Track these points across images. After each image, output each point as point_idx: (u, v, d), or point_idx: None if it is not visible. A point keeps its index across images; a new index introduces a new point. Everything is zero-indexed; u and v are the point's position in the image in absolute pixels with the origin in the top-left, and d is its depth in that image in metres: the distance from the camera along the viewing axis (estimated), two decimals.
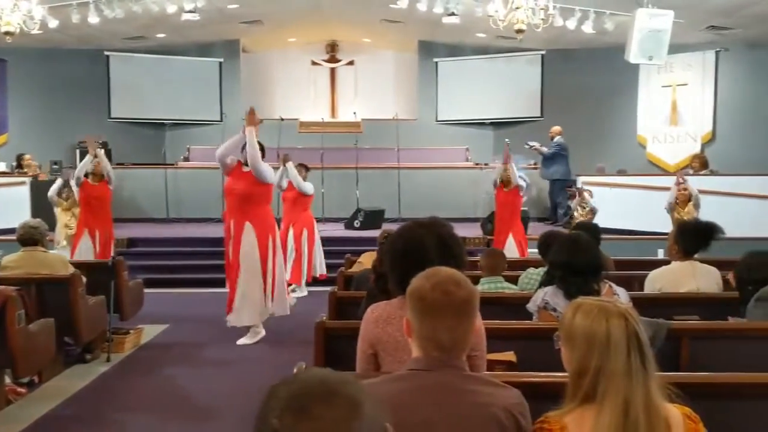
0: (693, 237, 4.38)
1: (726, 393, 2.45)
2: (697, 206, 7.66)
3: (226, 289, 6.53)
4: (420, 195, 12.12)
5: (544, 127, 12.97)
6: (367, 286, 3.67)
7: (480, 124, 14.68)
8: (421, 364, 1.81)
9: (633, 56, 10.18)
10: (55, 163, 12.19)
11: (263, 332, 6.45)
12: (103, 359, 5.78)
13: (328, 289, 4.71)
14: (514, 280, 4.72)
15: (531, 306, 3.50)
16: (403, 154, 12.74)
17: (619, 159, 12.87)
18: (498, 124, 14.51)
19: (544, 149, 12.17)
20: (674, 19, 9.95)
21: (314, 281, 8.61)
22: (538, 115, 14.11)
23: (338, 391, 1.07)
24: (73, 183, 8.15)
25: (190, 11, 10.95)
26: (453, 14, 11.01)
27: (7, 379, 4.79)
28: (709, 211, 7.33)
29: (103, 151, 8.50)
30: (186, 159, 13.90)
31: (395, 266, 2.44)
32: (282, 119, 12.78)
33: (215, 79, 14.68)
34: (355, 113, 14.26)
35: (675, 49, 11.10)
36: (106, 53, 13.98)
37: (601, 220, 8.50)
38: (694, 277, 4.29)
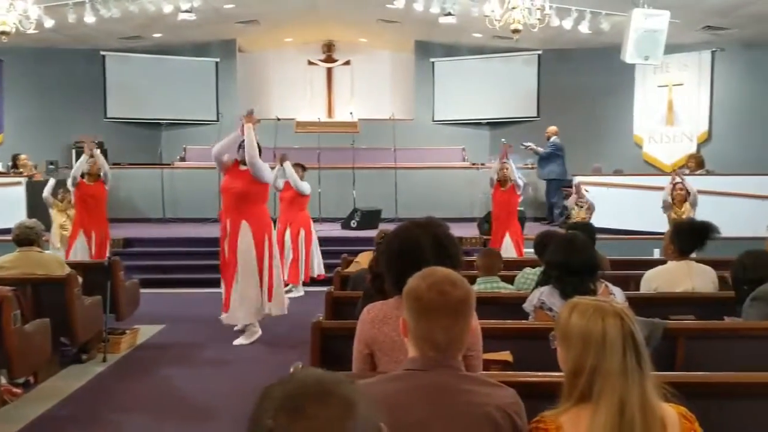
0: (689, 236, 4.39)
1: (722, 392, 2.45)
2: (694, 205, 7.67)
3: (221, 289, 6.53)
4: (417, 195, 12.13)
5: (540, 127, 12.98)
6: (364, 286, 3.67)
7: (476, 124, 14.69)
8: (417, 364, 1.81)
9: (629, 56, 10.20)
10: (51, 163, 12.16)
11: (260, 332, 6.44)
12: (99, 359, 5.77)
13: (324, 289, 4.71)
14: (510, 280, 4.73)
15: (527, 306, 3.51)
16: (399, 154, 12.75)
17: (616, 159, 12.89)
18: (494, 124, 14.51)
19: (540, 149, 12.19)
20: (670, 19, 9.97)
21: (311, 281, 8.60)
22: (535, 115, 14.12)
23: (332, 391, 1.07)
24: (68, 184, 8.14)
25: (187, 11, 10.93)
26: (449, 14, 11.01)
27: (3, 380, 4.78)
28: (704, 211, 7.34)
29: (98, 151, 8.49)
30: (182, 159, 13.88)
31: (391, 266, 2.44)
32: (278, 119, 12.77)
33: (212, 79, 14.66)
34: (351, 113, 14.26)
35: (671, 49, 11.12)
36: (102, 53, 13.96)
37: (597, 220, 8.51)
38: (690, 276, 4.30)
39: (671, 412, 1.74)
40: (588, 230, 5.13)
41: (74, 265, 5.93)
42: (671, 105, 13.35)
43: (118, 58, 14.19)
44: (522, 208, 9.21)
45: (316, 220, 9.62)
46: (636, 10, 9.85)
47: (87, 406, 4.79)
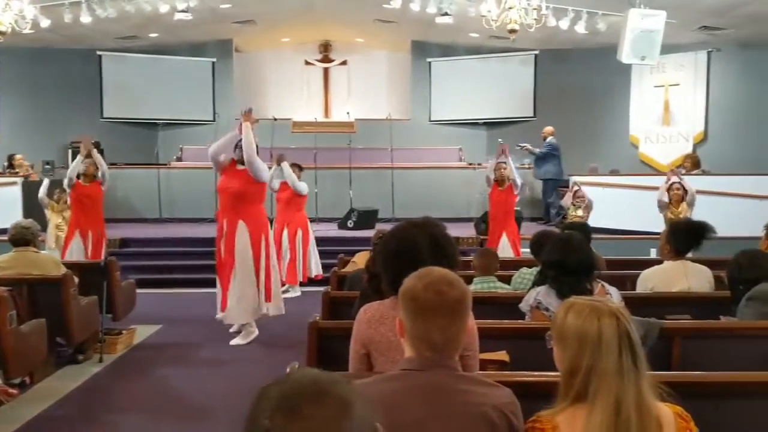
0: (685, 236, 4.40)
1: (717, 392, 2.46)
2: (691, 205, 7.68)
3: (215, 289, 6.52)
4: (413, 195, 12.13)
5: (537, 127, 13.00)
6: (361, 286, 3.67)
7: (473, 124, 14.70)
8: (413, 364, 1.81)
9: (625, 56, 10.21)
10: (47, 163, 12.13)
11: (256, 332, 6.44)
12: (96, 360, 5.76)
13: (321, 289, 4.71)
14: (507, 280, 4.73)
15: (523, 305, 3.51)
16: (396, 154, 12.75)
17: (612, 159, 12.91)
18: (491, 124, 14.53)
19: (536, 150, 12.21)
20: (666, 19, 9.99)
21: (309, 281, 8.60)
22: (531, 115, 14.14)
23: (329, 391, 1.08)
24: (65, 184, 8.12)
25: (183, 11, 10.92)
26: (446, 14, 11.02)
27: None
28: (700, 211, 7.36)
29: (96, 151, 8.48)
30: (179, 159, 13.87)
31: (388, 266, 2.44)
32: (275, 119, 12.77)
33: (208, 79, 14.65)
34: (348, 113, 14.26)
35: (667, 49, 11.14)
36: (99, 53, 13.94)
37: (593, 220, 8.53)
38: (686, 276, 4.30)
39: (667, 411, 1.74)
40: (584, 230, 5.14)
41: (70, 266, 5.93)
42: (667, 105, 13.38)
43: (114, 58, 14.17)
44: (519, 208, 9.22)
45: (312, 220, 9.62)
46: (632, 11, 9.86)
47: (83, 407, 4.78)
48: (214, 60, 14.68)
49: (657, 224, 7.51)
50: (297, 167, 8.74)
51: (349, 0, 12.55)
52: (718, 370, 2.68)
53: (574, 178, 10.27)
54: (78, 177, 7.88)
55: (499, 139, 8.98)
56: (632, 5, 9.89)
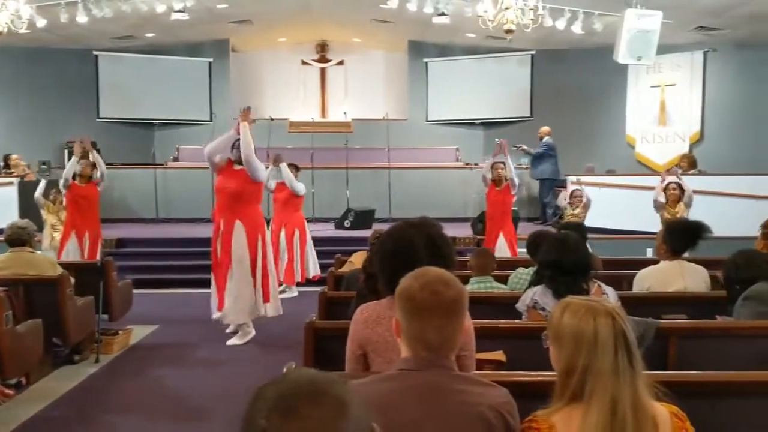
0: (681, 236, 4.40)
1: (713, 391, 2.46)
2: (688, 205, 7.69)
3: (210, 290, 6.50)
4: (410, 195, 12.14)
5: (533, 127, 13.02)
6: (357, 286, 3.67)
7: (470, 124, 14.72)
8: (409, 364, 1.81)
9: (622, 56, 10.23)
10: (44, 163, 12.10)
11: (253, 332, 6.43)
12: (92, 360, 5.75)
13: (318, 289, 4.71)
14: (504, 280, 4.74)
15: (520, 305, 3.51)
16: (393, 154, 12.76)
17: (608, 159, 12.94)
18: (488, 124, 14.55)
19: (532, 150, 12.24)
20: (663, 19, 10.01)
21: (306, 282, 8.59)
22: (528, 115, 14.16)
23: (325, 391, 1.08)
24: (60, 185, 8.12)
25: (180, 11, 10.91)
26: (443, 14, 11.03)
27: None
28: (697, 211, 7.37)
29: (95, 151, 8.48)
30: (175, 159, 13.85)
31: (385, 266, 2.44)
32: (272, 119, 12.77)
33: (205, 79, 14.64)
34: (345, 113, 14.26)
35: (663, 49, 11.16)
36: (95, 53, 13.92)
37: (590, 220, 8.53)
38: (682, 276, 4.31)
39: (663, 411, 1.74)
40: (580, 230, 5.14)
41: (67, 266, 5.92)
42: (664, 105, 13.41)
43: (110, 58, 14.15)
44: (515, 208, 9.23)
45: (309, 221, 9.62)
46: (629, 11, 9.88)
47: (79, 407, 4.77)
48: (211, 60, 14.68)
49: (653, 224, 7.50)
50: (294, 167, 8.74)
51: (346, 0, 12.55)
52: (714, 369, 2.69)
53: (570, 178, 10.28)
54: (74, 178, 7.87)
55: (496, 139, 8.96)
56: (628, 5, 9.91)
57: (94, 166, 8.29)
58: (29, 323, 4.97)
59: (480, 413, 1.73)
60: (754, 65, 12.60)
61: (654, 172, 12.35)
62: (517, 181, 8.30)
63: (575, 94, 13.57)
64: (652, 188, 8.11)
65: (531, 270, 4.30)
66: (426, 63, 14.81)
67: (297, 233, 8.57)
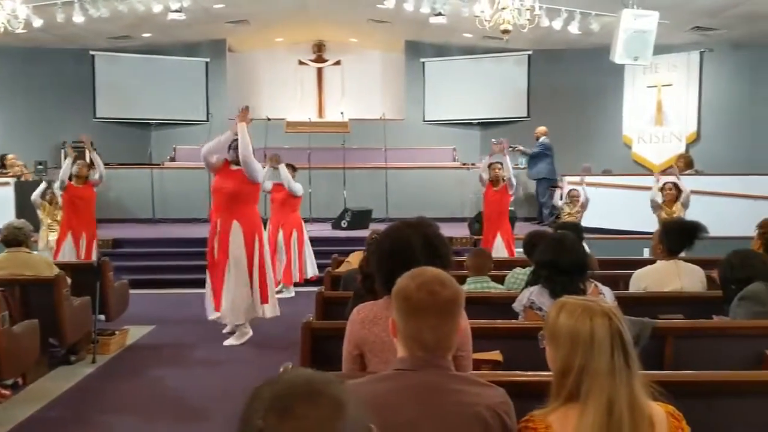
0: (677, 236, 4.41)
1: (709, 391, 2.47)
2: (685, 205, 7.71)
3: (205, 290, 6.49)
4: (407, 195, 12.14)
5: (530, 127, 13.02)
6: (354, 286, 3.67)
7: (467, 124, 14.72)
8: (406, 364, 1.81)
9: (618, 57, 10.24)
10: (40, 164, 12.10)
11: (250, 333, 6.43)
12: (89, 361, 5.74)
13: (315, 289, 4.71)
14: (501, 280, 4.74)
15: (517, 305, 3.52)
16: (390, 154, 12.75)
17: (605, 159, 12.95)
18: (485, 125, 14.55)
19: (528, 150, 12.25)
20: (659, 19, 10.02)
21: (304, 282, 8.58)
22: (525, 115, 14.17)
23: (322, 391, 1.08)
24: (56, 187, 8.11)
25: (176, 11, 10.89)
26: (440, 14, 11.03)
27: None
28: (693, 211, 7.39)
29: (85, 154, 8.49)
30: (172, 159, 13.84)
31: (381, 266, 2.45)
32: (269, 119, 12.76)
33: (201, 79, 14.62)
34: (342, 113, 14.25)
35: (660, 49, 11.18)
36: (92, 53, 13.90)
37: (586, 220, 8.55)
38: (679, 276, 4.32)
39: (659, 410, 1.75)
40: (576, 230, 5.15)
41: (63, 266, 5.90)
42: (660, 105, 13.43)
43: (107, 58, 14.13)
44: (512, 208, 9.23)
45: (306, 221, 9.61)
46: (625, 11, 9.89)
47: (76, 408, 4.77)
48: (208, 60, 14.66)
49: (650, 224, 7.53)
50: (291, 167, 8.73)
51: (343, 0, 12.55)
52: (710, 369, 2.70)
53: (567, 179, 10.30)
54: (70, 178, 7.86)
55: (493, 139, 8.96)
56: (625, 6, 9.92)
57: (90, 166, 8.29)
58: (25, 324, 4.95)
59: (477, 413, 1.73)
60: (750, 65, 12.63)
61: (651, 172, 12.38)
62: (514, 181, 8.31)
63: (572, 94, 13.58)
64: (648, 188, 8.14)
65: (528, 270, 4.30)
66: (423, 63, 14.82)
67: (295, 234, 8.57)
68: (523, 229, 9.26)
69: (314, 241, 9.20)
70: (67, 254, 7.68)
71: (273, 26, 14.55)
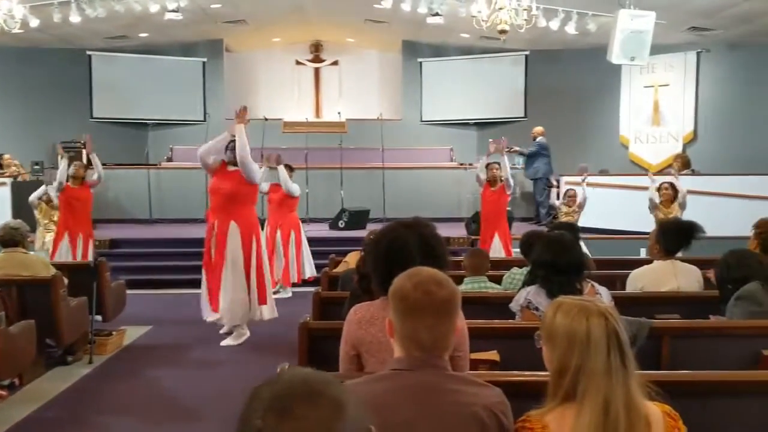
0: (674, 236, 4.42)
1: (706, 391, 2.47)
2: (682, 206, 7.72)
3: (201, 290, 6.49)
4: (405, 195, 12.14)
5: (527, 127, 13.03)
6: (351, 286, 3.67)
7: (464, 124, 14.74)
8: (402, 364, 1.81)
9: (615, 57, 10.26)
10: (36, 164, 12.08)
11: (248, 333, 6.42)
12: (85, 361, 5.73)
13: (312, 290, 4.71)
14: (498, 280, 4.74)
15: (514, 305, 3.52)
16: (387, 155, 12.75)
17: (602, 159, 12.97)
18: (482, 125, 14.57)
19: (525, 150, 12.26)
20: (656, 20, 10.04)
21: (302, 282, 8.57)
22: (522, 115, 14.18)
23: (322, 392, 1.07)
24: (52, 189, 8.10)
25: (173, 11, 10.89)
26: (437, 14, 11.04)
27: None
28: (690, 211, 7.41)
29: (82, 155, 8.48)
30: (169, 159, 13.83)
31: (378, 266, 2.44)
32: (266, 119, 12.75)
33: (198, 79, 14.61)
34: (339, 113, 14.26)
35: (657, 49, 11.20)
36: (88, 53, 13.88)
37: (583, 220, 8.55)
38: (676, 276, 4.33)
39: (655, 410, 1.75)
40: (572, 230, 5.15)
41: (60, 266, 5.90)
42: (657, 105, 13.45)
43: (104, 58, 14.11)
44: (510, 208, 9.24)
45: (303, 221, 9.60)
46: (622, 11, 9.91)
47: (73, 408, 4.76)
48: (205, 60, 14.65)
49: (646, 224, 7.54)
50: (288, 168, 8.72)
51: (340, 0, 12.55)
52: (707, 369, 2.70)
53: (564, 179, 10.32)
54: (66, 179, 7.86)
55: (490, 139, 8.97)
56: (622, 6, 9.94)
57: (86, 167, 8.29)
58: (22, 324, 4.94)
59: (474, 413, 1.73)
60: (746, 65, 12.65)
61: (647, 172, 12.40)
62: (512, 181, 8.32)
63: (569, 94, 13.60)
64: (645, 188, 8.15)
65: (525, 270, 4.30)
66: (420, 63, 14.82)
67: (292, 234, 8.55)
68: (520, 229, 9.27)
69: (311, 241, 9.19)
70: (64, 255, 7.68)
71: (270, 26, 14.55)
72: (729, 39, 12.28)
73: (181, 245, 10.04)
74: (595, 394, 1.68)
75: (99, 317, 6.15)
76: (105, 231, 10.67)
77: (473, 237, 9.68)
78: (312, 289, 5.05)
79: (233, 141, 6.18)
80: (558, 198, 9.18)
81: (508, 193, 8.35)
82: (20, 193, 10.19)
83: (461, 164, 13.42)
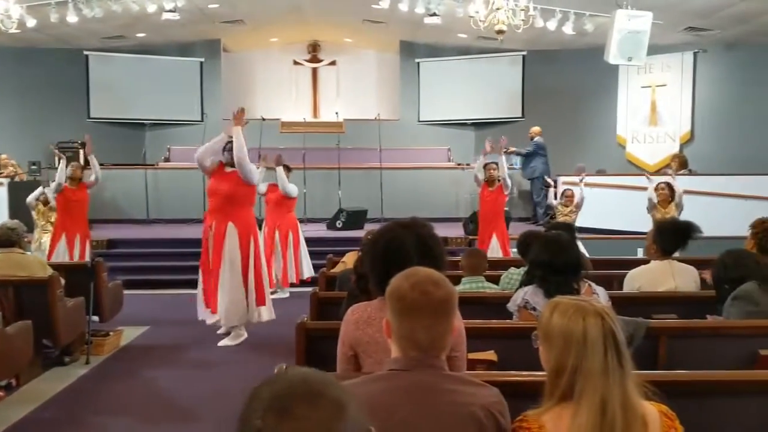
0: (671, 236, 4.42)
1: (702, 391, 2.47)
2: (679, 206, 7.73)
3: (197, 290, 6.48)
4: (402, 195, 12.15)
5: (525, 127, 13.06)
6: (348, 287, 3.66)
7: (461, 124, 14.75)
8: (399, 365, 1.81)
9: (612, 57, 10.28)
10: (33, 164, 12.06)
11: (245, 334, 6.41)
12: (82, 362, 5.73)
13: (309, 290, 4.70)
14: (496, 280, 4.74)
15: (511, 305, 3.52)
16: (385, 155, 12.75)
17: (599, 159, 12.97)
18: (479, 125, 14.58)
19: (522, 150, 12.27)
20: (653, 20, 10.06)
21: (300, 282, 8.56)
22: (520, 115, 14.20)
23: (322, 392, 1.07)
24: (49, 191, 8.09)
25: (171, 11, 10.88)
26: (434, 15, 11.05)
27: None
28: (687, 211, 7.42)
29: (79, 155, 8.47)
30: (166, 159, 13.81)
31: (375, 266, 2.44)
32: (263, 119, 12.74)
33: (196, 79, 14.60)
34: (337, 113, 14.25)
35: (654, 50, 11.22)
36: (85, 53, 13.87)
37: (580, 220, 8.56)
38: (673, 276, 4.33)
39: (652, 410, 1.75)
40: (569, 230, 5.15)
41: (57, 267, 5.89)
42: (654, 105, 13.47)
43: (101, 58, 14.10)
44: (507, 208, 9.25)
45: (301, 221, 9.60)
46: (619, 12, 9.92)
47: (70, 409, 4.75)
48: (202, 60, 14.64)
49: (644, 224, 7.54)
50: (286, 168, 8.70)
51: (338, 0, 12.55)
52: (704, 369, 2.70)
53: (561, 179, 10.32)
54: (65, 180, 7.86)
55: (488, 139, 8.96)
56: (619, 6, 9.95)
57: (84, 168, 8.28)
58: (19, 324, 4.94)
59: (471, 413, 1.73)
60: (743, 66, 12.67)
61: (644, 172, 12.41)
62: (509, 181, 8.32)
63: (566, 94, 13.61)
64: (642, 188, 8.16)
65: (522, 270, 4.30)
66: (418, 63, 14.83)
67: (290, 234, 8.54)
68: (518, 229, 9.27)
69: (309, 241, 9.18)
70: (62, 256, 7.67)
71: (268, 26, 14.54)
72: (726, 39, 12.30)
73: (178, 245, 10.03)
74: (592, 394, 1.68)
75: (96, 318, 6.14)
76: (102, 231, 10.66)
77: (471, 237, 9.68)
78: (309, 289, 5.04)
79: (231, 142, 6.17)
80: (555, 198, 9.19)
81: (506, 193, 8.35)
82: (17, 193, 10.17)
83: (459, 164, 13.42)
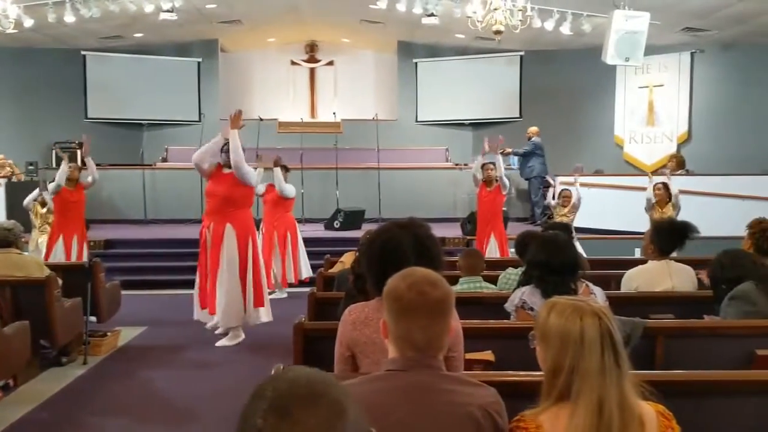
0: (668, 236, 4.43)
1: (699, 391, 2.48)
2: (675, 206, 7.74)
3: (194, 291, 6.47)
4: (400, 195, 12.16)
5: (522, 127, 13.07)
6: (346, 287, 3.67)
7: (459, 124, 14.76)
8: (397, 365, 1.81)
9: (609, 57, 10.29)
10: (31, 164, 12.04)
11: (243, 336, 6.41)
12: (80, 362, 5.72)
13: (307, 290, 4.70)
14: (493, 280, 4.74)
15: (508, 306, 3.52)
16: (382, 155, 12.76)
17: (596, 159, 13.00)
18: (477, 125, 14.59)
19: (519, 150, 12.28)
20: (650, 20, 10.07)
21: (298, 283, 8.55)
22: (517, 115, 14.21)
23: (323, 394, 1.07)
24: (47, 193, 8.08)
25: (168, 11, 10.87)
26: (432, 15, 11.05)
27: None
28: (684, 211, 7.43)
29: (76, 156, 8.47)
30: (164, 159, 13.79)
31: (372, 267, 2.45)
32: (261, 119, 12.73)
33: (193, 79, 14.59)
34: (334, 113, 14.25)
35: (651, 50, 11.23)
36: (83, 53, 13.85)
37: (578, 220, 8.56)
38: (670, 276, 4.34)
39: (649, 410, 1.75)
40: (566, 230, 5.16)
41: (54, 267, 5.87)
42: (652, 106, 13.49)
43: (98, 58, 14.08)
44: (505, 208, 9.25)
45: (299, 221, 9.59)
46: (616, 12, 9.93)
47: (67, 410, 4.75)
48: (200, 60, 14.63)
49: (641, 224, 7.56)
50: (284, 168, 8.69)
51: (336, 0, 12.55)
52: (701, 369, 2.71)
53: (559, 179, 10.33)
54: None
55: (486, 138, 8.96)
56: (616, 7, 9.96)
57: (80, 168, 8.27)
58: (16, 325, 4.93)
59: (469, 413, 1.73)
60: (740, 66, 12.69)
61: (642, 172, 12.43)
62: (507, 181, 8.32)
63: (564, 94, 13.63)
64: (640, 188, 8.17)
65: (520, 270, 4.30)
66: (415, 63, 14.83)
67: (288, 235, 8.53)
68: (515, 229, 9.28)
69: (307, 241, 9.18)
70: (59, 256, 7.66)
71: (265, 26, 14.54)
72: (723, 39, 12.32)
73: (176, 246, 10.02)
74: (589, 393, 1.68)
75: (93, 318, 6.13)
76: (99, 231, 10.65)
77: (468, 237, 9.68)
78: (307, 289, 5.04)
79: (227, 143, 6.16)
80: (553, 198, 9.20)
81: (504, 193, 8.35)
82: (14, 193, 10.15)
83: (456, 164, 13.43)
